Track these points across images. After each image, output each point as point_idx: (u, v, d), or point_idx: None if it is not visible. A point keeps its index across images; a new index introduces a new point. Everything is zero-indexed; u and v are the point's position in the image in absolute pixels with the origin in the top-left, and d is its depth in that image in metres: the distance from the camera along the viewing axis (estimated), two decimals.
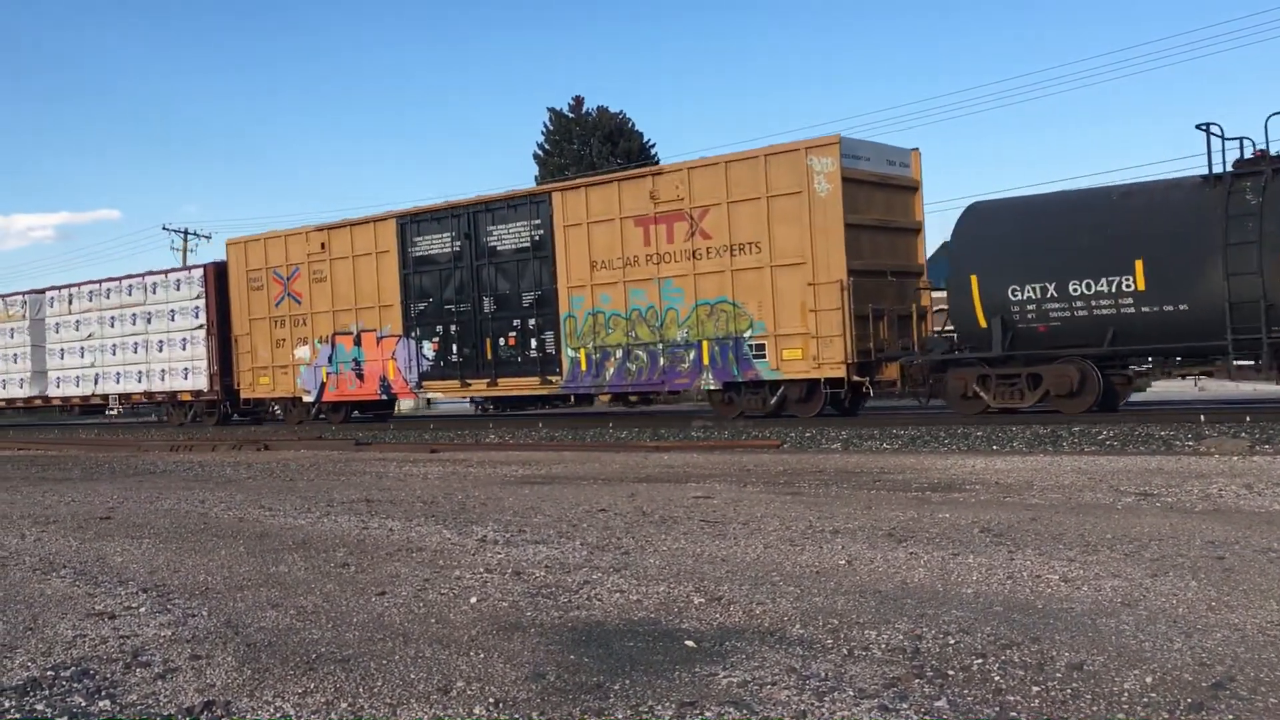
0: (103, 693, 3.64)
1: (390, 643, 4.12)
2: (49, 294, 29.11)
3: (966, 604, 4.37)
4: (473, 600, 4.84)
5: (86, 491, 10.86)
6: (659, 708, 3.22)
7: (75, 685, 3.74)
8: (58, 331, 28.45)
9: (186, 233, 54.09)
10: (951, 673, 3.43)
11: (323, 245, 21.68)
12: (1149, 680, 3.26)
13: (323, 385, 22.00)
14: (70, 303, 28.13)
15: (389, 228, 20.73)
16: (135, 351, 26.23)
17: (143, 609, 4.96)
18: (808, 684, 3.39)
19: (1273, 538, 5.58)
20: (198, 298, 24.77)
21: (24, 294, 29.99)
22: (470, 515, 7.75)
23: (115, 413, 29.21)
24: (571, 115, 47.92)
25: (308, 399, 22.48)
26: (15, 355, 29.72)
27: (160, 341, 25.63)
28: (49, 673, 3.92)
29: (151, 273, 26.20)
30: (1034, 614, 4.15)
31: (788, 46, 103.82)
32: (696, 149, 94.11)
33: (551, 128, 48.17)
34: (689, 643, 3.94)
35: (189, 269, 26.46)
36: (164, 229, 59.84)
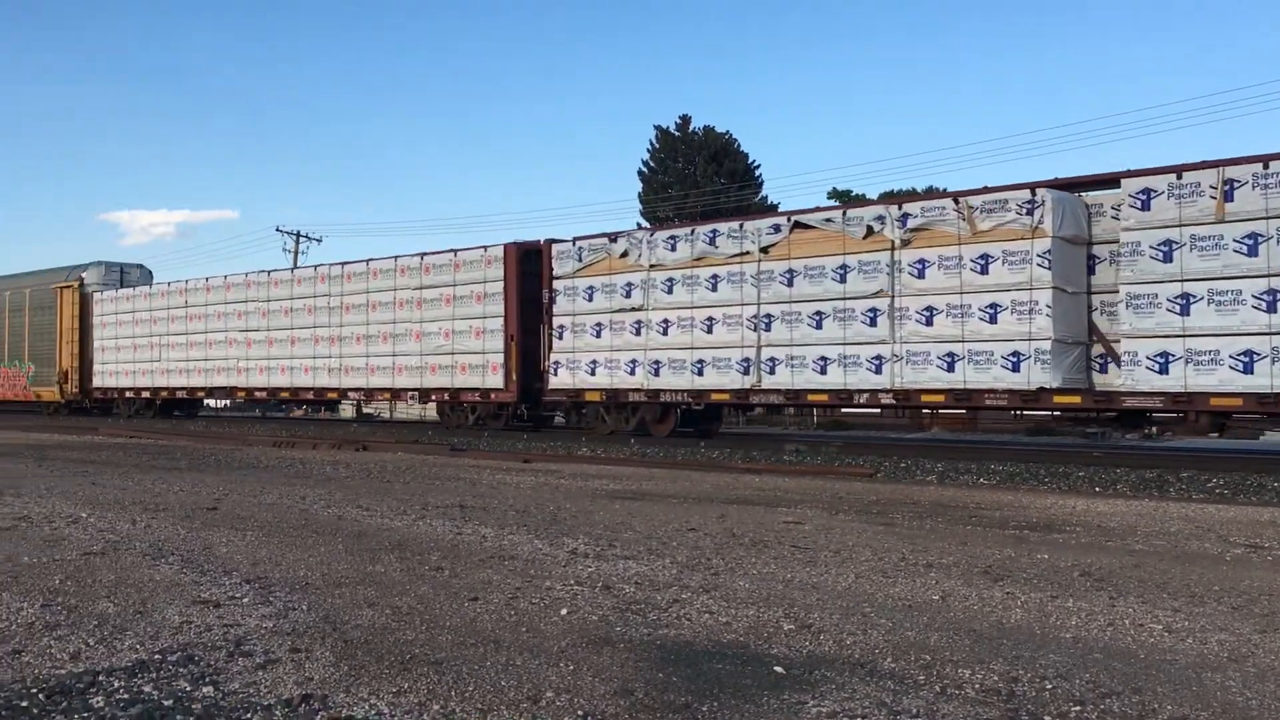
0: (206, 679, 3.76)
1: (482, 648, 4.18)
2: (1135, 185, 12.80)
3: (1065, 648, 4.26)
4: (563, 612, 4.88)
5: (194, 482, 11.23)
6: None
7: (180, 670, 3.88)
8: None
9: (299, 235, 55.53)
10: (1048, 718, 3.35)
11: None
12: None
13: None
14: (1230, 193, 12.00)
15: None
16: None
17: (246, 599, 5.11)
18: (898, 719, 3.34)
19: None
20: None
21: (1039, 187, 13.63)
22: (561, 527, 7.81)
23: None
24: (678, 134, 48.17)
25: None
26: (1014, 308, 13.71)
27: None
28: (156, 656, 4.07)
29: None
30: (1135, 663, 4.03)
31: (893, 72, 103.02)
32: (800, 171, 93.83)
33: (658, 146, 48.47)
34: (778, 669, 3.92)
35: None
36: (277, 230, 61.73)
